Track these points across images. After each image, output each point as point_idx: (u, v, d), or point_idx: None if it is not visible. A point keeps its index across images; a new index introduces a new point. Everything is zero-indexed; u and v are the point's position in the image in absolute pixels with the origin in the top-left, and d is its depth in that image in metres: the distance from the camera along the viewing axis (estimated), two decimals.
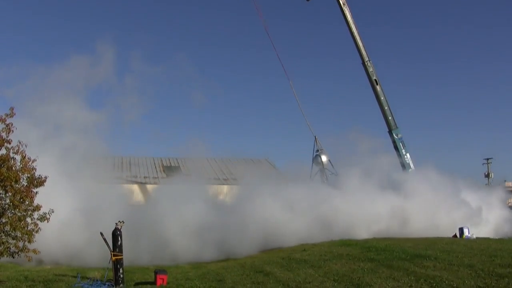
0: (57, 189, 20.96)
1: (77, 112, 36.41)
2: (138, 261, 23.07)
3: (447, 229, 29.76)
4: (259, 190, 32.14)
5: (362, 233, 28.80)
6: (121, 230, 17.07)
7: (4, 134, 15.95)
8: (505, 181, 65.80)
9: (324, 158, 42.80)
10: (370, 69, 38.88)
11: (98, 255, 23.93)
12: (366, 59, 38.83)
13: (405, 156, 39.49)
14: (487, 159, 71.59)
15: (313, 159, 43.88)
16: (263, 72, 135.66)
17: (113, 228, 17.04)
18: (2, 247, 15.77)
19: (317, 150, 43.35)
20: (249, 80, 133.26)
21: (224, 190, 46.58)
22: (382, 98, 39.14)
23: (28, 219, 16.01)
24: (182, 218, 29.01)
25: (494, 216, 36.40)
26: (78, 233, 25.46)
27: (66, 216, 23.95)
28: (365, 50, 38.90)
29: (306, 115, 43.46)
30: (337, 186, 34.75)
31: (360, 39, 38.77)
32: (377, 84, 39.02)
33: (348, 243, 24.43)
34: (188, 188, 35.26)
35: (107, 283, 16.68)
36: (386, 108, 39.25)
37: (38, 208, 16.20)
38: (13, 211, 15.74)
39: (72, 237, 24.90)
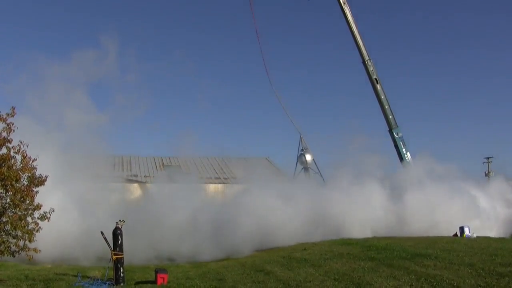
0: (54, 188, 20.99)
1: (78, 110, 36.46)
2: (135, 260, 23.10)
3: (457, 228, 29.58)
4: (258, 189, 32.20)
5: (361, 231, 28.87)
6: (122, 229, 17.11)
7: (5, 134, 16.01)
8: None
9: (308, 157, 43.48)
10: (371, 68, 38.95)
11: (92, 254, 24.10)
12: (366, 58, 38.90)
13: (406, 155, 39.54)
14: (488, 158, 71.50)
15: (297, 158, 44.48)
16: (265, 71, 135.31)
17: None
18: (3, 246, 15.82)
19: (302, 149, 43.63)
20: (252, 79, 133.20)
21: (224, 189, 46.62)
22: (382, 97, 39.22)
23: (29, 218, 16.07)
24: (180, 217, 29.11)
25: (504, 213, 36.09)
26: (73, 232, 25.49)
27: (61, 214, 23.98)
28: (365, 49, 38.96)
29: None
30: (327, 184, 34.88)
31: (361, 38, 38.85)
32: (377, 83, 39.09)
33: (348, 242, 24.45)
34: (187, 186, 35.34)
35: (107, 282, 16.71)
36: (386, 107, 39.34)
37: (38, 207, 16.26)
38: (13, 210, 15.80)
39: (66, 236, 24.91)
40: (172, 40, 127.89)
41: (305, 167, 43.87)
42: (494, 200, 36.91)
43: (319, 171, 43.26)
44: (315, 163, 43.87)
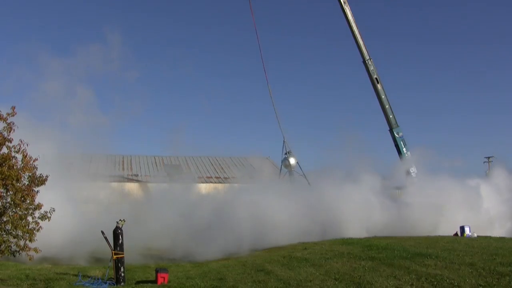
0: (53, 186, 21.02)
1: (79, 109, 36.59)
2: (132, 259, 23.14)
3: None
4: (258, 188, 32.30)
5: (359, 230, 28.98)
6: (122, 228, 17.14)
7: (5, 133, 16.01)
8: None
9: (292, 161, 43.08)
10: (371, 68, 38.85)
11: (87, 253, 24.16)
12: (367, 57, 38.80)
13: (406, 155, 39.48)
14: (488, 157, 71.35)
15: (282, 162, 44.43)
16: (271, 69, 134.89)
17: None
18: (3, 245, 15.82)
19: (286, 153, 43.61)
20: (255, 77, 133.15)
21: (224, 189, 46.62)
22: (383, 96, 39.13)
23: (29, 218, 16.08)
24: (181, 216, 29.21)
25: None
26: (70, 230, 25.54)
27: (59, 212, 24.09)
28: (365, 48, 38.85)
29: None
30: (322, 184, 34.83)
31: (361, 37, 38.73)
32: (378, 82, 38.99)
33: (349, 242, 24.44)
34: (186, 186, 35.38)
35: (108, 281, 16.72)
36: (387, 106, 39.26)
37: (39, 207, 16.27)
38: (14, 209, 15.80)
39: (62, 235, 24.95)
40: (172, 39, 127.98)
41: (290, 170, 43.90)
42: (499, 193, 36.14)
43: (304, 174, 43.34)
44: (299, 166, 44.08)
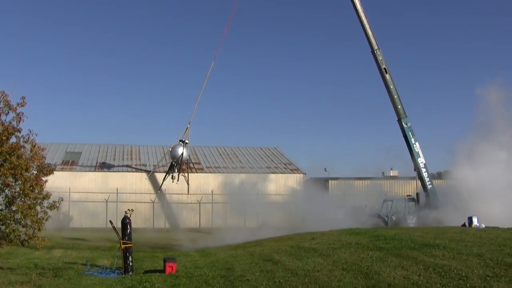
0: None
1: (86, 102, 36.76)
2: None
3: None
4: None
5: None
6: (130, 218, 17.23)
7: (14, 123, 16.10)
8: None
9: (185, 153, 36.46)
10: (380, 58, 38.53)
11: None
12: (376, 47, 38.48)
13: (414, 145, 39.26)
14: None
15: (170, 149, 37.57)
16: (276, 61, 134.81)
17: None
18: (13, 235, 15.94)
19: (181, 141, 36.79)
20: (258, 68, 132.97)
21: (232, 178, 46.66)
22: (391, 87, 38.83)
23: (38, 207, 16.19)
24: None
25: None
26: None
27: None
28: (374, 38, 38.54)
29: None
30: None
31: (370, 27, 38.41)
32: (386, 73, 38.69)
33: (356, 232, 24.43)
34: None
35: (116, 271, 16.82)
36: (395, 97, 38.97)
37: (47, 196, 16.37)
38: (23, 199, 15.91)
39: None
40: (178, 31, 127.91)
41: (177, 162, 36.26)
42: None
43: (188, 178, 37.10)
44: (187, 163, 38.03)
